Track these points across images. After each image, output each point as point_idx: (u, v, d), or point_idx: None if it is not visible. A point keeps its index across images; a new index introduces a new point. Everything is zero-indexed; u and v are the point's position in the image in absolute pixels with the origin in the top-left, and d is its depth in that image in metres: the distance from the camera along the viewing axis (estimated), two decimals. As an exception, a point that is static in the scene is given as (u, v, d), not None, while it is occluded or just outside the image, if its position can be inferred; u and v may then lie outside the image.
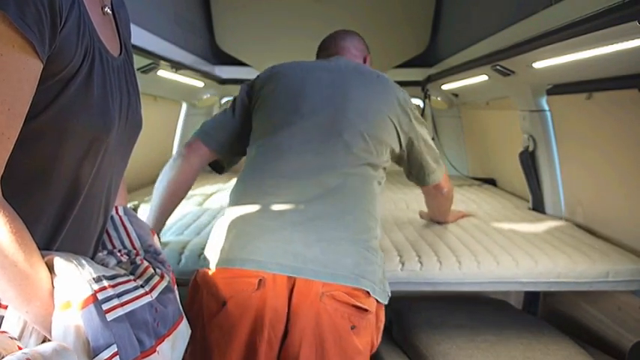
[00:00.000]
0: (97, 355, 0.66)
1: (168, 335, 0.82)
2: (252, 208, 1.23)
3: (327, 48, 1.59)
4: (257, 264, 1.14)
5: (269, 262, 1.15)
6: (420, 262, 1.51)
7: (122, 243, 0.94)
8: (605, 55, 1.33)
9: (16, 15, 0.58)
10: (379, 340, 1.29)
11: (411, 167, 1.52)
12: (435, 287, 1.53)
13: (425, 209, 1.91)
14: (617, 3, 1.10)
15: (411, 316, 1.77)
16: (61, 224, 0.74)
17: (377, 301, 1.21)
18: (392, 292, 1.26)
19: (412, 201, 2.45)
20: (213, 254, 1.21)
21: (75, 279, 0.68)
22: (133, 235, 0.96)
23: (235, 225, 1.22)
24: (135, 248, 0.94)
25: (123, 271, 0.81)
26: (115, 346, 0.67)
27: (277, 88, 1.40)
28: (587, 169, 1.88)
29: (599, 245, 1.64)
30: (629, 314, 1.58)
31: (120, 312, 0.71)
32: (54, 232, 0.73)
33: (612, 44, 1.27)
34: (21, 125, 0.62)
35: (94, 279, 0.70)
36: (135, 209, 2.10)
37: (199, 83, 2.78)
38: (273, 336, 1.14)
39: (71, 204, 0.74)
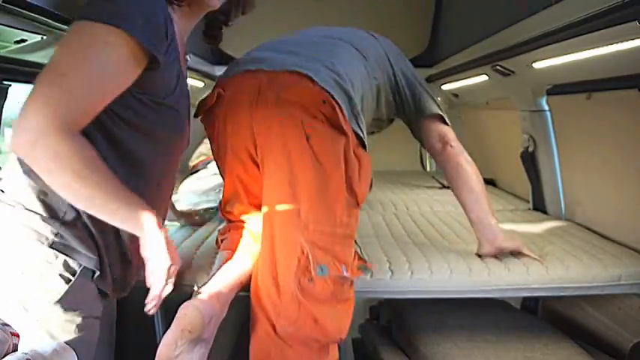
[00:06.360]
0: None
1: None
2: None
3: None
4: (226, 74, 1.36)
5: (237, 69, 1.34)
6: (430, 270, 1.46)
7: None
8: (605, 55, 1.33)
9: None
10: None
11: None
12: (445, 295, 1.49)
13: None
14: (617, 3, 1.10)
15: (411, 316, 1.76)
16: None
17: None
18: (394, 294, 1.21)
19: (411, 202, 2.45)
20: None
21: None
22: None
23: None
24: None
25: None
26: None
27: None
28: (587, 170, 1.88)
29: (610, 247, 1.62)
30: (629, 315, 1.58)
31: None
32: None
33: (612, 44, 1.27)
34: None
35: None
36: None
37: (199, 83, 2.77)
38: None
39: None
